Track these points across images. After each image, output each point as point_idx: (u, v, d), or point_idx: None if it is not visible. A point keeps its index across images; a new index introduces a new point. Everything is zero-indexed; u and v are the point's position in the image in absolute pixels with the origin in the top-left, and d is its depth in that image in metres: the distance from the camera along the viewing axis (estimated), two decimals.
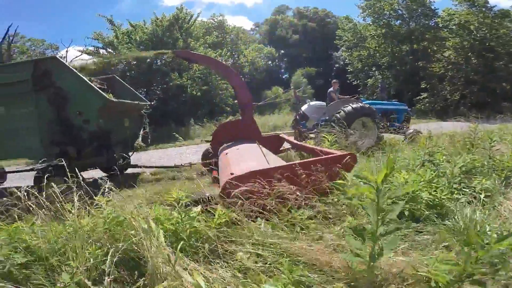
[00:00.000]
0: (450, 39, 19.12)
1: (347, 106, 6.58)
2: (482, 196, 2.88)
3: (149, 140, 6.65)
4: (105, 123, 4.74)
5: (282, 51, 40.24)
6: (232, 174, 2.60)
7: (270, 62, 38.42)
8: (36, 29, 46.51)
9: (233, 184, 2.30)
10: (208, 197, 2.43)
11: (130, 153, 6.49)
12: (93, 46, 18.11)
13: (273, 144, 5.49)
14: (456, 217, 2.43)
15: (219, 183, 3.18)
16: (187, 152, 9.77)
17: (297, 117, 7.77)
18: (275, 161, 3.41)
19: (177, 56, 6.89)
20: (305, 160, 2.91)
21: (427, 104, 18.09)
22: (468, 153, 4.22)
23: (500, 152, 4.06)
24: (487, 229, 2.25)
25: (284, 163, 3.13)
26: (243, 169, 2.64)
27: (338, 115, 6.45)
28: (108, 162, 5.10)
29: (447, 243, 2.13)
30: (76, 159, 4.65)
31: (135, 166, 6.47)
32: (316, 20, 40.40)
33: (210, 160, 5.30)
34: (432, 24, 20.88)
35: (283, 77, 38.57)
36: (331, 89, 7.80)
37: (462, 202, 2.77)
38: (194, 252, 1.90)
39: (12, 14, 44.15)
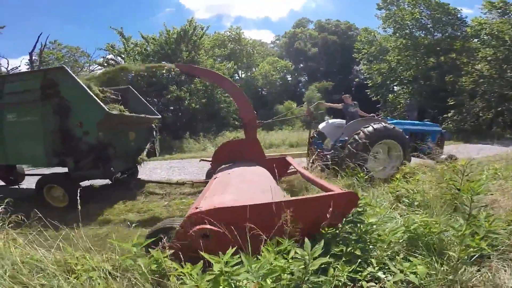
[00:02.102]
0: (481, 50, 17.01)
1: (367, 127, 5.66)
2: None
3: (157, 154, 6.64)
4: (104, 136, 4.68)
5: (301, 65, 39.28)
6: (197, 208, 2.25)
7: (289, 75, 37.61)
8: (75, 34, 50.24)
9: (193, 221, 2.06)
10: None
11: (138, 167, 6.47)
12: (102, 57, 18.63)
13: (278, 167, 4.83)
14: None
15: None
16: (160, 167, 9.37)
17: (314, 135, 6.99)
18: (266, 192, 2.98)
19: (179, 70, 6.76)
20: (289, 198, 2.51)
21: (455, 123, 15.95)
22: (450, 204, 2.97)
23: (496, 210, 2.74)
24: None
25: (280, 195, 2.87)
26: (213, 203, 2.32)
27: (356, 136, 5.59)
28: (104, 175, 5.11)
29: None
30: (73, 171, 4.75)
31: (138, 179, 6.41)
32: (338, 33, 39.15)
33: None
34: (459, 34, 18.86)
35: (301, 90, 37.35)
36: (342, 104, 6.92)
37: None
38: None
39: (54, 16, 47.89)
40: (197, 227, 2.02)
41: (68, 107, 4.60)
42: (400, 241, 2.28)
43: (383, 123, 5.86)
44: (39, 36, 18.42)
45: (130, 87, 6.88)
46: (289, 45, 39.93)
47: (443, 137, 7.41)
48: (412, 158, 6.24)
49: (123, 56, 17.19)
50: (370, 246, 2.19)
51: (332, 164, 5.73)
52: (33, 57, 19.42)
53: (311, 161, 6.25)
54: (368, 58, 23.28)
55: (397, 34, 20.95)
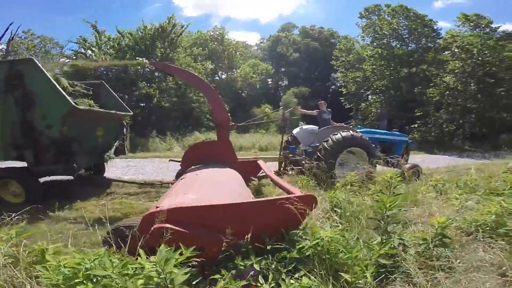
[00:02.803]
0: (450, 62, 17.61)
1: (336, 134, 5.83)
2: None
3: (126, 152, 6.54)
4: (69, 130, 4.57)
5: (283, 69, 39.48)
6: (157, 207, 2.21)
7: (270, 79, 37.68)
8: (61, 26, 48.63)
9: (151, 220, 2.04)
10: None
11: (105, 164, 6.35)
12: (72, 50, 17.94)
13: (250, 170, 5.04)
14: None
15: None
16: (116, 166, 8.82)
17: (287, 140, 7.17)
18: (233, 194, 3.00)
19: (153, 67, 6.66)
20: (250, 200, 2.64)
21: (420, 134, 16.42)
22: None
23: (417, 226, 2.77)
24: None
25: (247, 198, 2.91)
26: (175, 203, 2.32)
27: (325, 143, 5.77)
28: (65, 171, 4.95)
29: None
30: (32, 165, 4.62)
31: (103, 177, 6.28)
32: (321, 40, 39.68)
33: None
34: (432, 46, 19.45)
35: (281, 94, 37.53)
36: (317, 110, 7.08)
37: None
38: None
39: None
40: (156, 225, 1.99)
41: (32, 99, 4.46)
42: (308, 255, 2.20)
43: (351, 132, 6.00)
44: (9, 26, 17.58)
45: (103, 82, 6.80)
46: (272, 49, 40.06)
47: (409, 147, 7.63)
48: (378, 166, 6.37)
49: (94, 50, 16.67)
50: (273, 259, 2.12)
51: (302, 169, 5.79)
52: (0, 47, 18.55)
53: (283, 165, 6.42)
54: (345, 66, 23.64)
55: (375, 44, 21.40)
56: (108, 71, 15.91)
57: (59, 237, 3.17)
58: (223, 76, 31.68)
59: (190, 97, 16.36)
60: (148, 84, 14.90)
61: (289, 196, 2.40)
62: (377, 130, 7.41)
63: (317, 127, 6.92)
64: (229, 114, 5.33)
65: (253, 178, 5.14)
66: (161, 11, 66.27)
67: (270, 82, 37.99)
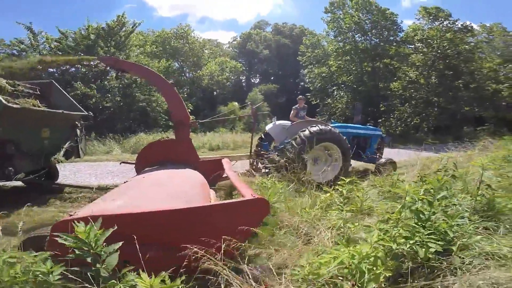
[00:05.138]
0: (412, 56, 17.28)
1: (308, 128, 5.52)
2: None
3: (81, 155, 6.17)
4: (4, 132, 4.19)
5: (256, 67, 38.64)
6: (70, 215, 2.01)
7: (243, 77, 36.71)
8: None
9: (62, 230, 1.79)
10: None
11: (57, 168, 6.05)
12: (6, 53, 16.32)
13: (214, 170, 4.65)
14: None
15: None
16: None
17: (261, 137, 7.06)
18: (181, 198, 2.57)
19: (103, 63, 5.83)
20: (188, 206, 2.16)
21: (385, 128, 15.86)
22: None
23: None
24: None
25: (199, 202, 2.54)
26: (93, 210, 2.09)
27: (296, 138, 5.45)
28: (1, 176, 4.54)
29: None
30: None
31: (51, 183, 5.85)
32: (292, 37, 39.19)
33: None
34: (393, 39, 19.12)
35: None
36: (296, 106, 6.87)
37: None
38: None
39: None
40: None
41: None
42: None
43: (324, 126, 5.71)
44: None
45: (53, 81, 6.39)
46: (242, 46, 39.17)
47: (383, 141, 7.51)
48: (353, 161, 6.25)
49: (28, 51, 15.21)
50: None
51: (273, 167, 5.41)
52: None
53: (254, 163, 6.19)
54: (311, 62, 22.99)
55: (338, 38, 20.88)
56: (42, 73, 14.46)
57: None
58: (190, 75, 30.32)
59: (137, 96, 15.04)
60: (85, 85, 13.55)
61: (234, 201, 2.21)
62: (351, 125, 7.15)
63: (289, 122, 6.52)
64: (188, 111, 4.91)
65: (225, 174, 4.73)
66: (133, 12, 64.31)
67: (244, 80, 37.03)
